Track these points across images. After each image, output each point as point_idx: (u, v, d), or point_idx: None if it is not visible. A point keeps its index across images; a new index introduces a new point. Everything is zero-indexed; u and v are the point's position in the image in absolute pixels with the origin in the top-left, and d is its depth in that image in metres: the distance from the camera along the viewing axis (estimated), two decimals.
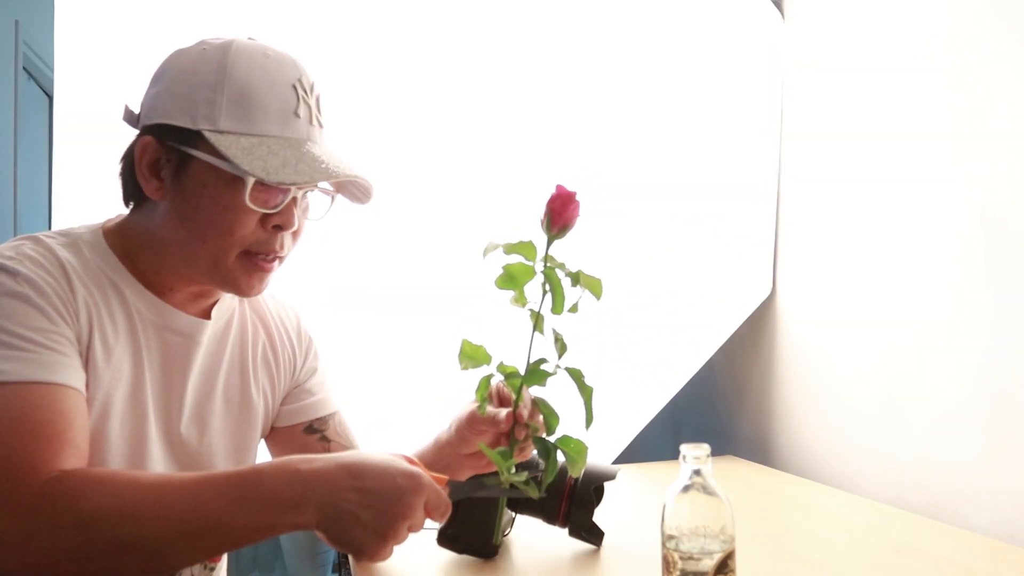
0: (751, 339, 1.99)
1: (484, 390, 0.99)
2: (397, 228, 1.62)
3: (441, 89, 1.63)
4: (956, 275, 1.43)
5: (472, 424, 1.04)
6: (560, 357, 0.94)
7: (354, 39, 1.59)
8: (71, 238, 0.96)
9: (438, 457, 1.09)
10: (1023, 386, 1.32)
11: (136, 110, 0.98)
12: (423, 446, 1.13)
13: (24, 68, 3.05)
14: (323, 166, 0.93)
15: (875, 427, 1.61)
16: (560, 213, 0.92)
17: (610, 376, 1.77)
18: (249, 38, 0.99)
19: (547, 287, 0.92)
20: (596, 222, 1.71)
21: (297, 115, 0.95)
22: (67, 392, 0.86)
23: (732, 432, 2.07)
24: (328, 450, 1.14)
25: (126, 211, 1.02)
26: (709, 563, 0.86)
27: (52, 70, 1.62)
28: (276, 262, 0.99)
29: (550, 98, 1.68)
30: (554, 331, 0.94)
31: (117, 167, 1.00)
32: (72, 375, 0.88)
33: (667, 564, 0.88)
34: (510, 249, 0.91)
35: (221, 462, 1.05)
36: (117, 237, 0.99)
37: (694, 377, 1.90)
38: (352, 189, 1.03)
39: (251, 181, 0.91)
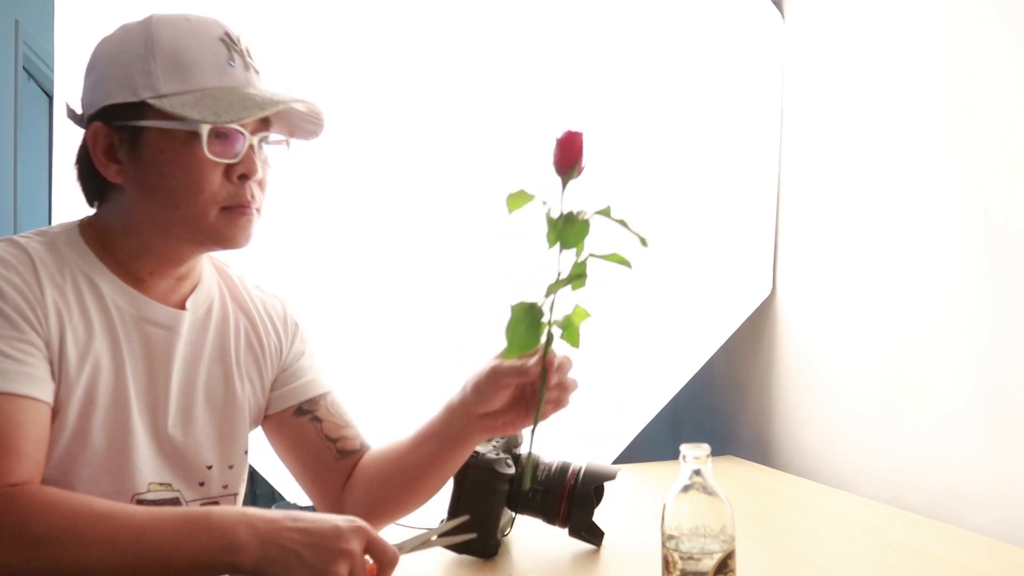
0: (751, 339, 1.99)
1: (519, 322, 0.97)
2: (400, 224, 1.63)
3: (442, 89, 1.63)
4: (956, 275, 1.44)
5: (495, 378, 1.01)
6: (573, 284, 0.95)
7: (363, 40, 1.59)
8: (47, 237, 0.97)
9: (450, 421, 1.07)
10: (1023, 386, 1.32)
11: (79, 109, 1.00)
12: (431, 416, 1.10)
13: (24, 68, 3.05)
14: (270, 98, 0.95)
15: (875, 427, 1.61)
16: (569, 156, 0.95)
17: (610, 376, 1.77)
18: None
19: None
20: (596, 222, 1.71)
21: (232, 64, 0.96)
22: (25, 404, 0.87)
23: (732, 432, 2.07)
24: (321, 430, 1.13)
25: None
26: (709, 563, 0.86)
27: (52, 70, 1.62)
28: (251, 208, 0.99)
29: (549, 97, 1.68)
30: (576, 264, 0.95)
31: (73, 171, 1.01)
32: (34, 386, 0.88)
33: (667, 564, 0.88)
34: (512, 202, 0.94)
35: (207, 453, 1.04)
36: (92, 231, 1.00)
37: (694, 377, 1.90)
38: (305, 126, 1.03)
39: (206, 132, 0.93)
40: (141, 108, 0.93)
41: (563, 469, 1.26)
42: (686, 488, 0.88)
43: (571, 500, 1.24)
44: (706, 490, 0.88)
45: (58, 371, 0.91)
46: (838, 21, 1.72)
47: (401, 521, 1.33)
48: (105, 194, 1.00)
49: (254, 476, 3.59)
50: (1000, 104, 1.35)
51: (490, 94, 1.66)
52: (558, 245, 0.94)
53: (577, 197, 0.96)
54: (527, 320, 0.95)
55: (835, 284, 1.73)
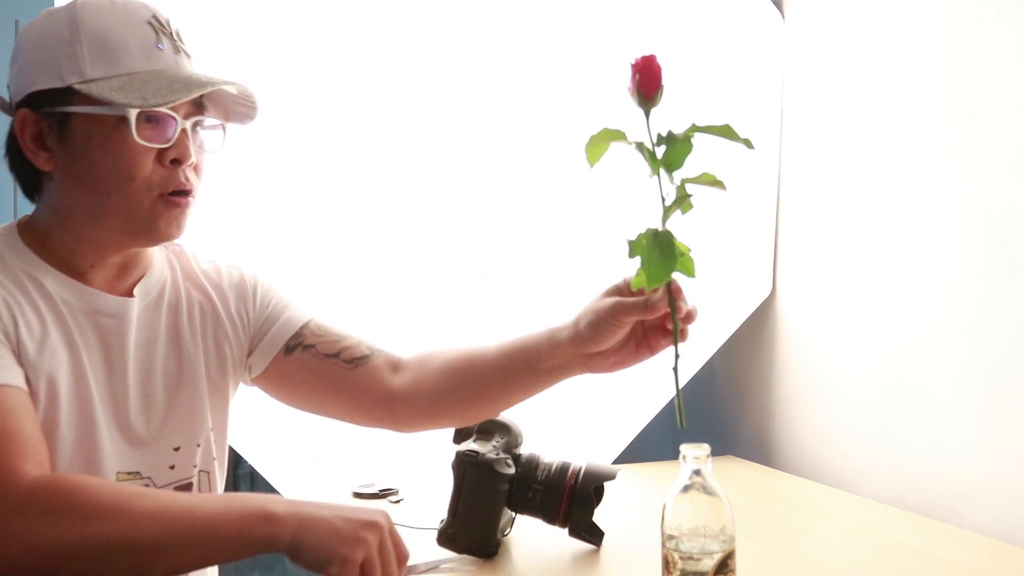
0: (751, 339, 1.99)
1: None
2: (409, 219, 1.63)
3: (443, 88, 1.63)
4: (956, 275, 1.44)
5: (616, 315, 0.97)
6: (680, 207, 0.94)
7: (371, 39, 1.59)
8: None
9: (550, 356, 1.02)
10: (1023, 386, 1.32)
11: (6, 97, 0.98)
12: (526, 341, 1.05)
13: None
14: (198, 80, 0.94)
15: (875, 427, 1.61)
16: (652, 79, 0.93)
17: (610, 376, 1.76)
18: None
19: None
20: (596, 222, 1.71)
21: (160, 48, 0.95)
22: (9, 391, 0.88)
23: (732, 432, 2.07)
24: (317, 352, 1.11)
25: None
26: (709, 563, 0.86)
27: None
28: (188, 198, 0.98)
29: (549, 96, 1.68)
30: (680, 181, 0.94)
31: (5, 163, 1.00)
32: (10, 374, 0.89)
33: (667, 564, 0.88)
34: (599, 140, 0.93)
35: (173, 436, 1.04)
36: (30, 229, 0.99)
37: (694, 377, 1.90)
38: (239, 109, 1.02)
39: (134, 116, 0.92)
40: (68, 94, 0.93)
41: (563, 469, 1.26)
42: (686, 488, 0.88)
43: (571, 500, 1.24)
44: (706, 490, 0.88)
45: (21, 361, 0.92)
46: (838, 21, 1.72)
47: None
48: (41, 183, 0.99)
49: (253, 476, 3.58)
50: (1000, 104, 1.35)
51: (490, 96, 1.65)
52: (661, 172, 0.92)
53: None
54: (658, 247, 0.91)
55: (835, 284, 1.73)
